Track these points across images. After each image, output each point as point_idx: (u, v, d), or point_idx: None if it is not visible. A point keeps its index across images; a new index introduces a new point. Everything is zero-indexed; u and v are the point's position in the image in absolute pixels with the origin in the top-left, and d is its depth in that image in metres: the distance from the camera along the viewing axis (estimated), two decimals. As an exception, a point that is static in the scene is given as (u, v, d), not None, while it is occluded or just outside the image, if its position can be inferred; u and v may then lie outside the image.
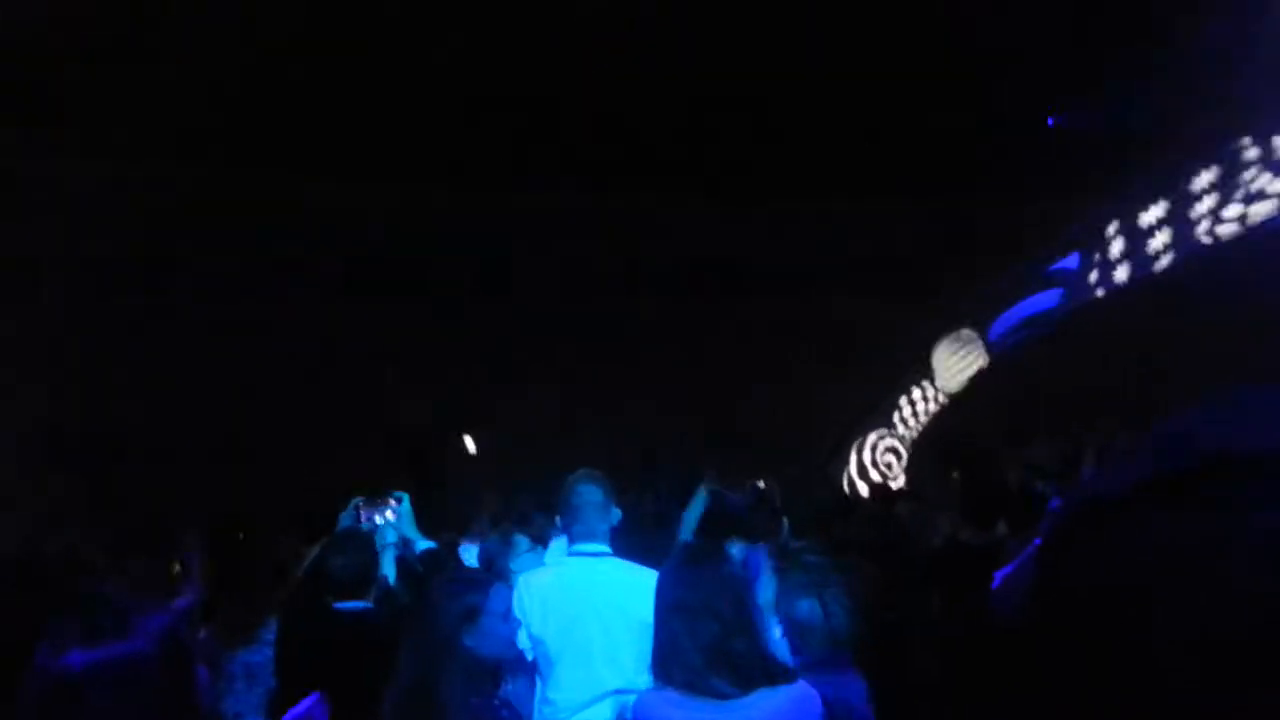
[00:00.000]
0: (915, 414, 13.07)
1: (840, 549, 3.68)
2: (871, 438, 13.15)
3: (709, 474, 5.00)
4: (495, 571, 4.41)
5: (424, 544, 4.34)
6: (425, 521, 4.56)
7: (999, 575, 2.31)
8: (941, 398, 12.91)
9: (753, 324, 12.67)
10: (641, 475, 6.69)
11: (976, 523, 4.86)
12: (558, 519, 3.74)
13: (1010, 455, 7.66)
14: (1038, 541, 0.90)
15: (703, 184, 11.80)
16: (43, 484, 10.00)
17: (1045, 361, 11.22)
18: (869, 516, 5.96)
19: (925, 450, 12.55)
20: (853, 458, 13.08)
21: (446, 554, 4.42)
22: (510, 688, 3.20)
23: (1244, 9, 8.74)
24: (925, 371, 12.99)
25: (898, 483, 12.38)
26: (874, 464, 12.99)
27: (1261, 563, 0.74)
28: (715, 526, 4.72)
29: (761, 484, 6.70)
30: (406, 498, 4.34)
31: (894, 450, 13.02)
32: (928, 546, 5.39)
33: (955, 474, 8.22)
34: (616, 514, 3.52)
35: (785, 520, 5.75)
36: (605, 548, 3.54)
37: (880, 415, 13.27)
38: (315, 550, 4.27)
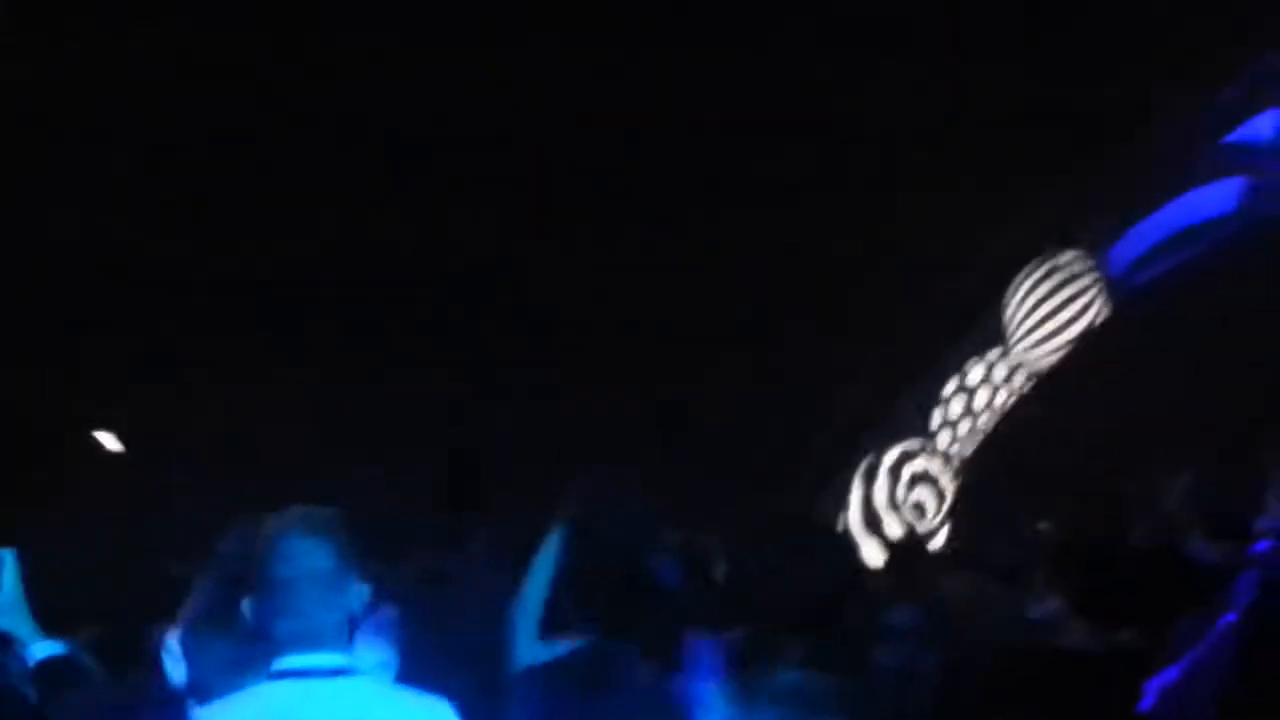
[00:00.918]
0: (970, 412, 10.44)
1: (845, 663, 3.18)
2: (893, 456, 10.38)
3: (575, 493, 4.03)
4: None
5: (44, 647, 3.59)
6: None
7: (1155, 687, 2.34)
8: (1019, 381, 10.35)
9: (705, 251, 10.21)
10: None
11: (1093, 616, 4.11)
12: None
13: (1145, 489, 5.96)
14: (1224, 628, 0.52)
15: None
16: None
17: (1211, 312, 9.56)
18: (891, 603, 4.95)
19: (988, 478, 10.31)
20: (857, 489, 10.24)
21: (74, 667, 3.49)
22: None
23: None
24: (989, 333, 10.28)
25: (938, 536, 10.15)
26: (894, 502, 10.27)
27: None
28: (611, 605, 3.96)
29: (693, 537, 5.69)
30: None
31: (930, 478, 10.44)
32: (1001, 655, 4.49)
33: (1045, 525, 6.60)
34: (360, 593, 2.62)
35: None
36: (338, 658, 2.63)
37: (907, 415, 10.45)
38: None
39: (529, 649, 3.60)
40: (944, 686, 4.21)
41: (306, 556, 2.52)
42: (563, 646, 3.57)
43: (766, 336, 10.26)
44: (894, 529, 10.08)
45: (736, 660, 2.99)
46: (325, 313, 10.07)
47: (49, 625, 3.71)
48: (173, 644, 4.05)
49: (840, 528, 9.91)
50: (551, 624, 3.85)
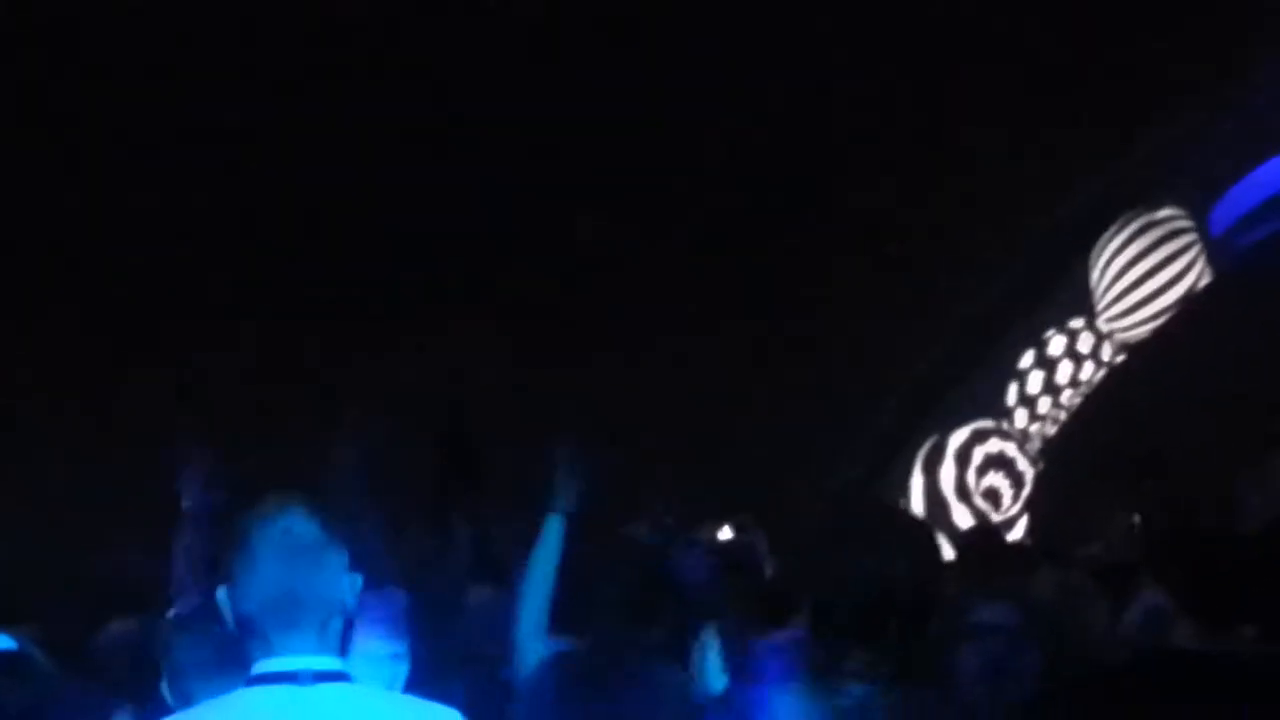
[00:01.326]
0: (1052, 389, 10.02)
1: (919, 671, 2.99)
2: (961, 437, 9.89)
3: (562, 459, 3.95)
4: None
5: None
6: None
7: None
8: (1107, 353, 9.90)
9: (756, 217, 9.52)
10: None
11: (1203, 615, 3.94)
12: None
13: (1255, 472, 6.34)
14: None
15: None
16: None
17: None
18: (967, 599, 4.40)
19: (1074, 464, 9.74)
20: (919, 474, 9.76)
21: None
22: None
23: None
24: (1075, 299, 9.86)
25: (1016, 528, 9.63)
26: (964, 489, 9.80)
27: None
28: (630, 601, 3.94)
29: (733, 528, 6.42)
30: None
31: (1004, 461, 9.98)
32: (1098, 662, 4.28)
33: (1141, 517, 6.56)
34: (353, 585, 2.45)
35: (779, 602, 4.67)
36: (328, 661, 2.47)
37: (978, 391, 10.02)
38: None
39: (534, 646, 3.52)
40: (1036, 698, 3.75)
41: (287, 545, 2.40)
42: (571, 644, 3.49)
43: (818, 297, 9.51)
44: (963, 520, 9.42)
45: (793, 666, 2.87)
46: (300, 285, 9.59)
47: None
48: (129, 641, 4.26)
49: (904, 509, 8.69)
50: (559, 619, 3.82)
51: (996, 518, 9.57)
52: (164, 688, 2.99)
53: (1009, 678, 3.73)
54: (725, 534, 6.77)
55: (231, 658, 2.91)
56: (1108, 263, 9.49)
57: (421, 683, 3.11)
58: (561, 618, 3.84)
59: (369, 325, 9.18)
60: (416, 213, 9.28)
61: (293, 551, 2.33)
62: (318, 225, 9.31)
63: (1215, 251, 9.56)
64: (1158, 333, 9.62)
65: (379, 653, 3.48)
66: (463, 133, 9.26)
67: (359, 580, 2.43)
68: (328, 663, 2.40)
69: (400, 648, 3.31)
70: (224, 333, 8.89)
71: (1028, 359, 9.66)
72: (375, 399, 8.45)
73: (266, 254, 9.16)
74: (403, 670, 3.46)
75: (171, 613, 4.34)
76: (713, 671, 3.51)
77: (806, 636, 4.06)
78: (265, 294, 9.25)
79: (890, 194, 9.10)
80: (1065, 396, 9.85)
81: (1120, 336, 9.67)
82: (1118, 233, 9.44)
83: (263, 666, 2.37)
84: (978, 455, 9.69)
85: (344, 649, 2.45)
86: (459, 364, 9.09)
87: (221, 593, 2.34)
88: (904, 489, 9.58)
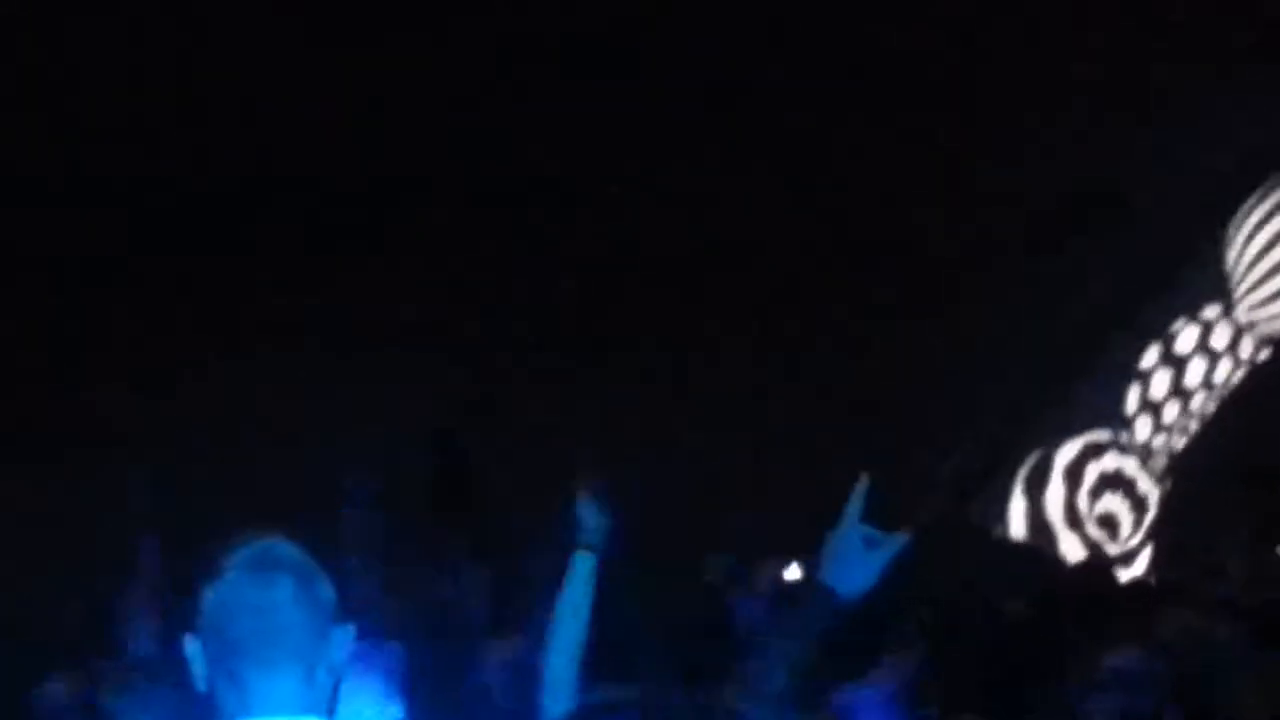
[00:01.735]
0: (1180, 391, 8.97)
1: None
2: (1071, 453, 8.82)
3: (583, 481, 3.79)
4: None
5: None
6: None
7: None
8: (1247, 348, 8.90)
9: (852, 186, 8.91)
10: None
11: None
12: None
13: None
14: None
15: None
16: None
17: None
18: (1093, 643, 4.86)
19: (1208, 483, 8.78)
20: (1019, 498, 8.67)
21: None
22: None
23: None
24: (1205, 285, 8.86)
25: (1138, 560, 8.72)
26: (1074, 514, 8.74)
27: None
28: (682, 651, 4.43)
29: (794, 570, 6.08)
30: None
31: (1124, 481, 8.95)
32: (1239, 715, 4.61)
33: None
34: (342, 636, 2.19)
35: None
36: None
37: (1091, 397, 8.97)
38: None
39: (560, 701, 3.41)
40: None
41: (265, 567, 2.17)
42: (609, 698, 3.09)
43: (895, 278, 8.75)
44: (1073, 551, 8.58)
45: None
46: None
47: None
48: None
49: (1000, 536, 8.83)
50: (594, 670, 3.69)
51: (1113, 549, 8.64)
52: None
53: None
54: (793, 573, 6.36)
55: (197, 713, 2.71)
56: (1247, 240, 8.62)
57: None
58: (597, 671, 3.71)
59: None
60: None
61: (272, 575, 2.17)
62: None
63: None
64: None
65: (368, 715, 3.45)
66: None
67: (350, 631, 2.22)
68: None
69: (395, 712, 3.25)
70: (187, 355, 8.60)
71: (1151, 357, 8.75)
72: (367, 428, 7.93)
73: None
74: None
75: (124, 659, 4.28)
76: None
77: (901, 690, 4.36)
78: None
79: (987, 161, 8.38)
80: (1197, 401, 9.00)
81: (1263, 329, 8.85)
82: (1259, 204, 8.58)
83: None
84: (1091, 474, 8.79)
85: (331, 711, 2.22)
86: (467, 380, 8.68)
87: (190, 643, 2.16)
88: (1001, 516, 8.58)
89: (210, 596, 2.15)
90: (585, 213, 9.41)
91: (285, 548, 2.21)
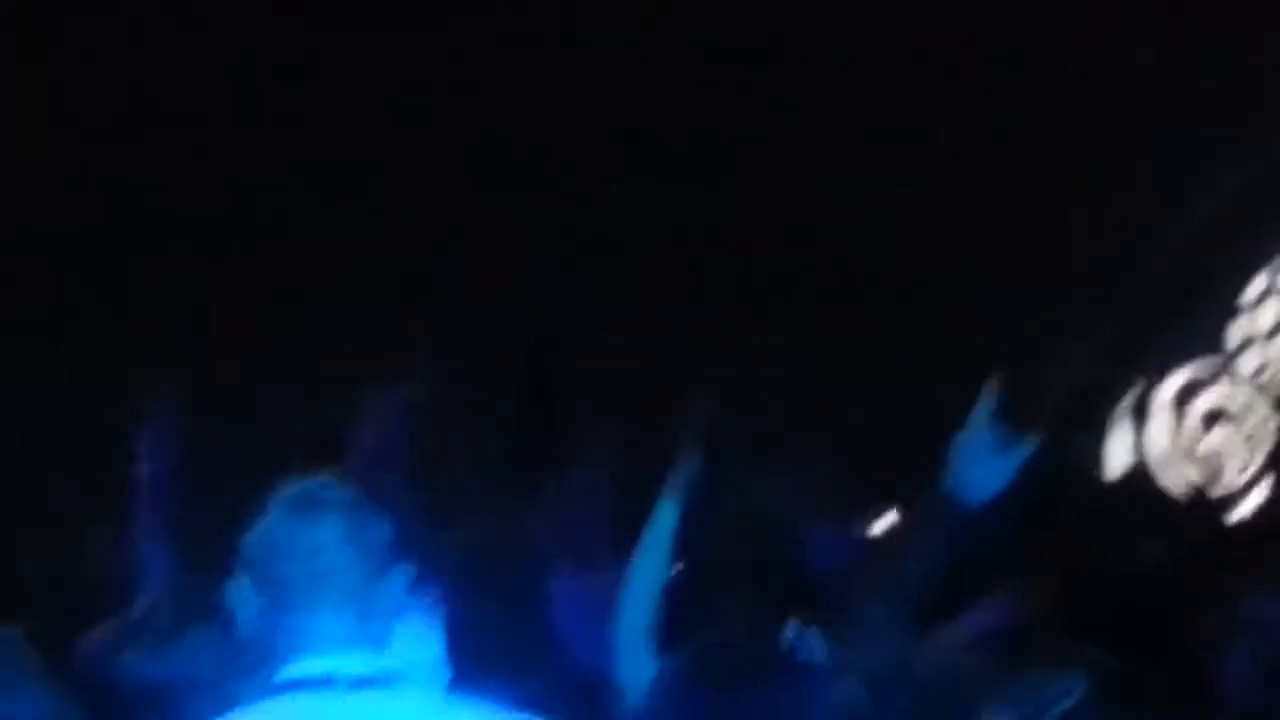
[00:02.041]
0: None
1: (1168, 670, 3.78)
2: (1174, 386, 8.45)
3: (693, 429, 3.98)
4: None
5: None
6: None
7: None
8: None
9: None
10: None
11: None
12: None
13: None
14: None
15: None
16: None
17: None
18: (1234, 589, 4.64)
19: None
20: (1121, 434, 8.37)
21: None
22: None
23: None
24: None
25: (1251, 496, 8.25)
26: (1178, 447, 8.44)
27: None
28: (752, 589, 4.24)
29: (886, 521, 5.54)
30: None
31: (1232, 417, 8.51)
32: None
33: None
34: (400, 575, 2.31)
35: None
36: (369, 662, 2.32)
37: (1194, 327, 8.48)
38: None
39: (638, 660, 3.37)
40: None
41: (316, 505, 2.26)
42: (687, 653, 3.21)
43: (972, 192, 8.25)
44: (1178, 488, 8.18)
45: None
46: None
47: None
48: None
49: (1097, 469, 8.42)
50: (672, 624, 3.71)
51: (1220, 489, 8.29)
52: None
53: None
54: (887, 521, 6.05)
55: (235, 662, 2.85)
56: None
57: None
58: (672, 618, 3.70)
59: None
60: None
61: (320, 515, 2.21)
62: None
63: None
64: None
65: (421, 659, 3.20)
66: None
67: (407, 572, 2.31)
68: (370, 664, 2.26)
69: (435, 653, 3.11)
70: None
71: (1258, 285, 8.28)
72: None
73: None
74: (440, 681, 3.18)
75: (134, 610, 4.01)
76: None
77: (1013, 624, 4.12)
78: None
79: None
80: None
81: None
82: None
83: (290, 671, 2.23)
84: (1196, 409, 8.40)
85: (383, 652, 2.30)
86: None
87: (232, 586, 2.24)
88: (1098, 454, 8.27)
89: (254, 538, 2.16)
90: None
91: (334, 487, 2.24)
